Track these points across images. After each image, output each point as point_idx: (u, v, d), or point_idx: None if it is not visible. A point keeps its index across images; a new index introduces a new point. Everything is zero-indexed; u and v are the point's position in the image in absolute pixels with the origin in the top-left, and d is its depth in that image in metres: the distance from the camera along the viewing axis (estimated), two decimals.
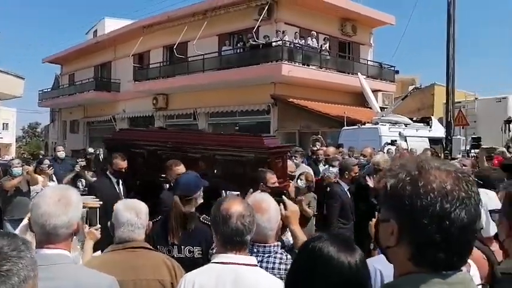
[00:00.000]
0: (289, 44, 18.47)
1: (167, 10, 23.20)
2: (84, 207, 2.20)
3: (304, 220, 5.45)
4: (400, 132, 12.21)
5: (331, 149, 8.52)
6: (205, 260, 2.49)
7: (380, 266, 1.98)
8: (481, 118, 17.39)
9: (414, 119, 14.24)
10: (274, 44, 18.51)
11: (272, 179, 4.04)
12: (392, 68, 22.53)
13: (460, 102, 17.21)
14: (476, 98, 19.13)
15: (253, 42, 18.99)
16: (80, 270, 1.88)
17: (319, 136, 11.47)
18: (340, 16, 20.93)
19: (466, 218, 0.95)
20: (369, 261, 2.14)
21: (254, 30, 18.58)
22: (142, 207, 2.36)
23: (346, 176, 5.54)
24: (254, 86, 18.88)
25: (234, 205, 1.96)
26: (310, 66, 18.81)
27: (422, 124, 13.79)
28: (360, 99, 18.74)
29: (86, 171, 7.72)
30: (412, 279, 0.98)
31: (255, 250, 2.13)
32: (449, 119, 13.27)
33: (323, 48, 19.72)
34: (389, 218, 1.02)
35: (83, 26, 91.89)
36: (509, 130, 15.04)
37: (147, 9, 60.62)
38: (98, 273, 1.84)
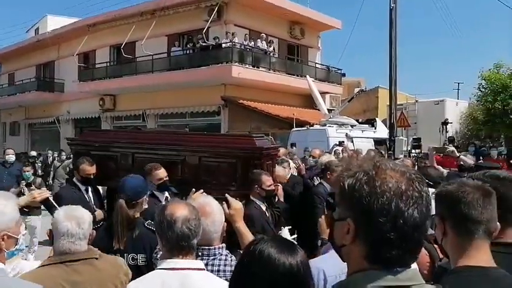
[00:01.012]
0: (239, 46, 18.57)
1: (113, 9, 22.60)
2: (26, 211, 2.10)
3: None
4: (346, 133, 12.58)
5: (282, 150, 8.67)
6: (149, 267, 2.43)
7: (324, 266, 2.04)
8: (421, 120, 18.34)
9: (360, 120, 14.69)
10: (224, 45, 18.53)
11: (268, 181, 3.97)
12: (339, 71, 23.21)
13: (402, 104, 18.05)
14: (416, 101, 20.14)
15: (203, 44, 18.92)
16: (10, 282, 1.78)
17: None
18: (289, 19, 21.29)
19: (418, 217, 0.99)
20: (312, 261, 2.21)
21: (204, 31, 18.50)
22: (85, 215, 2.21)
23: (328, 177, 5.37)
24: (204, 87, 18.80)
25: (179, 209, 1.92)
26: (260, 68, 19.01)
27: (367, 125, 14.26)
28: (308, 101, 19.15)
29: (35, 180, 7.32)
30: (366, 276, 1.01)
31: (200, 253, 2.13)
32: (392, 121, 13.83)
33: (272, 50, 19.98)
34: (346, 217, 1.04)
35: (23, 23, 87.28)
36: (446, 131, 15.94)
37: (92, 8, 58.54)
38: (28, 284, 1.75)
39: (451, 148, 6.90)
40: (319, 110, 16.12)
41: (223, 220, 2.27)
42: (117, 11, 22.01)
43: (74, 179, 4.67)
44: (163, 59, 20.26)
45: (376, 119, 15.32)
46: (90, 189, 4.64)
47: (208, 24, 18.40)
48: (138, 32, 19.86)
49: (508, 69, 19.31)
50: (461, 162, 5.93)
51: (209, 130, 18.33)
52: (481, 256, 1.44)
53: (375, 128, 14.20)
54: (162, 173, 4.10)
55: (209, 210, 2.20)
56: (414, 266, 2.00)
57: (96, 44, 23.09)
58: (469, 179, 1.61)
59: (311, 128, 13.60)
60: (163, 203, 4.07)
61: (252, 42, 19.17)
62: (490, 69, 19.78)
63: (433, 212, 2.04)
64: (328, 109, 16.50)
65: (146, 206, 3.05)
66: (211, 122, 19.71)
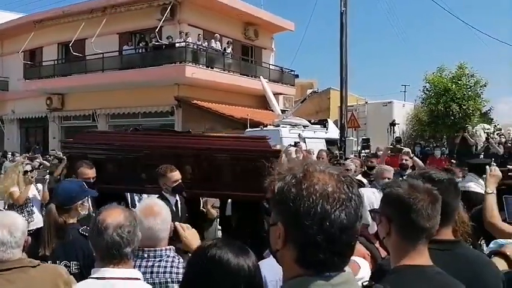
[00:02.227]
0: (193, 46, 18.47)
1: (61, 5, 21.84)
2: None
3: (208, 221, 5.55)
4: (299, 134, 12.81)
5: None
6: (83, 275, 2.33)
7: (264, 271, 2.10)
8: (370, 121, 18.99)
9: (312, 121, 14.99)
10: (177, 45, 18.37)
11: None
12: (293, 73, 23.61)
13: (352, 106, 18.62)
14: (366, 102, 20.83)
15: (156, 43, 18.66)
16: None
17: None
18: (243, 20, 21.41)
19: (346, 219, 0.98)
20: None
21: (157, 30, 18.26)
22: (18, 222, 2.06)
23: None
24: (157, 87, 18.54)
25: (111, 215, 1.82)
26: (214, 69, 19.00)
27: (319, 126, 14.56)
28: (262, 101, 19.33)
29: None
30: (297, 283, 1.01)
31: (145, 255, 2.11)
32: (343, 122, 14.23)
33: (226, 51, 20.03)
34: (277, 221, 1.04)
35: None
36: (393, 131, 16.61)
37: (39, 3, 56.12)
38: None
39: (407, 149, 7.21)
40: (272, 110, 16.32)
41: (171, 220, 2.27)
42: (65, 8, 21.26)
43: None
44: (114, 58, 19.81)
45: (328, 119, 15.68)
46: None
47: (161, 23, 18.18)
48: (88, 30, 19.29)
49: (450, 73, 20.38)
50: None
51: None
52: (420, 257, 1.50)
53: (327, 129, 14.53)
54: (177, 175, 3.96)
55: (157, 210, 2.22)
56: (365, 270, 2.07)
57: (43, 41, 22.19)
58: (418, 181, 1.61)
59: (265, 128, 13.74)
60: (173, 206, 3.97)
61: (206, 43, 19.13)
62: (433, 73, 20.80)
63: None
64: (281, 110, 16.73)
65: (85, 212, 2.94)
66: (164, 123, 19.46)
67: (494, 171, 2.71)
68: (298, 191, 1.00)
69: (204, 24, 19.55)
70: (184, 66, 17.61)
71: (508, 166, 2.90)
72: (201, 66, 18.36)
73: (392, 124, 16.86)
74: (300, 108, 15.87)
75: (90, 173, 4.18)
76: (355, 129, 16.86)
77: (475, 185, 4.23)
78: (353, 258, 1.84)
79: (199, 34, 19.03)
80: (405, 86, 35.10)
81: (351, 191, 1.01)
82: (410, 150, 7.17)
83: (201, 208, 5.31)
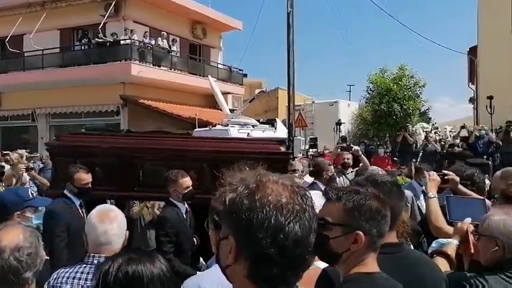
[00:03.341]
0: (139, 44, 18.04)
1: None
2: None
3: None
4: (248, 133, 12.84)
5: None
6: None
7: (202, 282, 2.04)
8: (317, 120, 19.43)
9: (261, 120, 15.09)
10: (122, 42, 17.87)
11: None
12: (241, 72, 23.66)
13: (300, 105, 18.96)
14: (313, 102, 21.30)
15: (101, 40, 18.05)
16: None
17: None
18: (190, 18, 21.18)
19: (300, 231, 0.95)
20: (195, 278, 2.24)
21: (100, 26, 17.66)
22: None
23: (325, 177, 5.39)
24: (102, 85, 17.93)
25: (8, 236, 1.63)
26: (161, 67, 18.67)
27: (268, 126, 14.69)
28: (211, 101, 19.21)
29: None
30: None
31: (95, 262, 2.06)
32: (290, 121, 14.43)
33: (174, 49, 19.74)
34: (228, 234, 0.99)
35: None
36: (339, 131, 17.09)
37: None
38: None
39: (356, 147, 7.41)
40: (221, 110, 16.27)
41: (126, 227, 2.23)
42: (0, 1, 20.06)
43: (66, 191, 3.92)
44: (55, 55, 19.00)
45: (276, 119, 15.85)
46: (81, 203, 3.98)
47: (104, 19, 17.61)
48: (26, 25, 18.31)
49: (392, 74, 21.28)
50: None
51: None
52: (371, 265, 1.51)
53: (275, 128, 14.69)
54: (188, 181, 3.76)
55: (114, 215, 2.18)
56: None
57: None
58: (371, 189, 1.60)
59: (213, 128, 13.66)
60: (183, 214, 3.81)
61: (153, 41, 18.75)
62: (376, 74, 21.63)
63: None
64: (230, 109, 16.71)
65: (30, 223, 2.75)
66: (109, 122, 18.84)
67: (433, 175, 2.79)
68: (251, 203, 0.95)
69: (151, 22, 19.15)
70: (130, 64, 17.17)
71: (443, 171, 3.01)
72: (147, 64, 17.98)
73: (338, 123, 17.36)
74: (248, 107, 15.92)
75: (87, 178, 3.90)
76: (302, 129, 17.17)
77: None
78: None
79: (145, 31, 18.63)
80: (350, 86, 36.23)
81: (305, 202, 0.99)
82: (359, 149, 7.39)
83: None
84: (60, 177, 4.21)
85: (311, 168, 6.88)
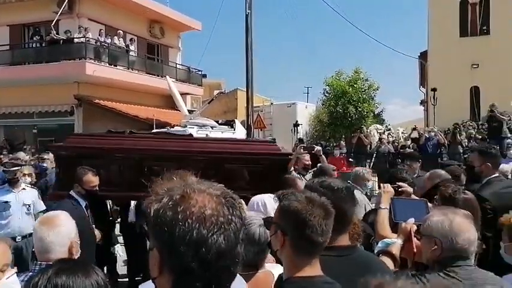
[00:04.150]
0: (94, 42, 17.57)
1: None
2: None
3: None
4: (207, 134, 12.77)
5: None
6: None
7: None
8: (276, 121, 19.65)
9: (220, 121, 15.04)
10: (76, 40, 17.34)
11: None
12: (200, 72, 23.53)
13: (258, 106, 19.11)
14: (272, 103, 21.52)
15: (55, 37, 17.43)
16: None
17: None
18: (148, 17, 20.85)
19: (223, 243, 0.93)
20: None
21: (53, 23, 17.05)
22: None
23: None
24: (54, 85, 17.30)
25: None
26: (118, 67, 18.27)
27: (227, 127, 14.68)
28: (169, 101, 18.96)
29: None
30: None
31: (37, 269, 2.02)
32: (249, 122, 14.53)
33: (130, 48, 19.36)
34: (153, 246, 0.97)
35: None
36: (297, 132, 17.36)
37: None
38: None
39: (318, 147, 7.60)
40: (179, 111, 16.12)
41: (72, 236, 2.18)
42: None
43: (72, 193, 3.96)
44: (5, 52, 18.15)
45: (236, 120, 15.87)
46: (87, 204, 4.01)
47: (57, 16, 17.00)
48: None
49: (347, 77, 21.85)
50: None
51: (61, 131, 16.94)
52: (312, 269, 1.55)
53: (234, 129, 14.68)
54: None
55: (58, 222, 2.14)
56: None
57: None
58: (315, 195, 1.64)
59: (172, 129, 13.52)
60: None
61: (109, 39, 18.31)
62: (332, 76, 22.14)
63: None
64: (189, 110, 16.56)
65: None
66: (63, 123, 18.24)
67: (387, 187, 2.87)
68: (173, 214, 0.93)
69: (106, 20, 18.69)
70: (84, 63, 16.69)
71: (398, 183, 3.12)
72: (103, 63, 17.54)
73: (296, 125, 17.61)
74: (207, 108, 15.88)
75: (96, 180, 3.96)
76: (261, 130, 17.32)
77: None
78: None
79: (100, 29, 18.16)
80: (308, 88, 36.87)
81: (232, 212, 0.96)
82: (320, 149, 7.58)
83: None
84: (65, 179, 4.16)
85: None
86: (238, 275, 1.77)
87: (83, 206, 3.97)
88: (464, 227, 1.96)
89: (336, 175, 6.42)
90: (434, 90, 19.17)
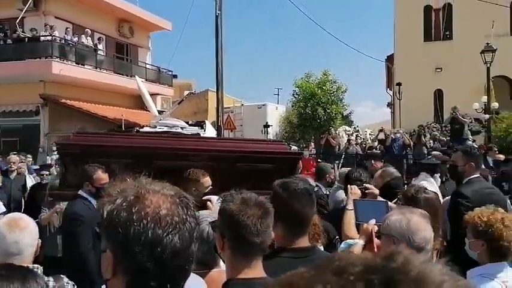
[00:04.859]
0: (61, 40, 17.19)
1: None
2: None
3: None
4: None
5: None
6: None
7: None
8: (246, 122, 19.76)
9: (190, 122, 14.98)
10: (42, 38, 16.93)
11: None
12: (170, 73, 23.34)
13: (229, 107, 19.16)
14: (242, 104, 21.62)
15: (21, 35, 16.95)
16: None
17: None
18: (117, 16, 20.55)
19: (178, 242, 0.94)
20: None
21: (18, 21, 16.59)
22: None
23: (327, 180, 5.64)
24: (19, 84, 16.80)
25: None
26: (85, 66, 17.94)
27: (197, 128, 14.63)
28: (139, 102, 18.75)
29: None
30: None
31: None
32: (219, 123, 14.54)
33: (99, 47, 19.05)
34: (106, 247, 0.97)
35: None
36: (267, 133, 17.51)
37: None
38: None
39: (294, 147, 7.73)
40: (149, 111, 15.98)
41: (38, 237, 2.19)
42: None
43: (82, 192, 3.83)
44: None
45: (206, 121, 15.83)
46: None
47: (23, 13, 16.56)
48: None
49: (316, 79, 22.19)
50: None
51: (26, 132, 16.56)
52: (253, 271, 1.56)
53: (205, 130, 14.65)
54: (209, 180, 3.60)
55: (24, 225, 2.12)
56: None
57: None
58: (251, 195, 1.64)
59: (141, 130, 13.40)
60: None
61: (76, 38, 17.96)
62: (301, 78, 22.42)
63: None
64: (159, 111, 16.44)
65: None
66: (28, 123, 17.76)
67: (354, 189, 2.98)
68: (128, 215, 0.94)
69: (74, 18, 18.31)
70: (50, 61, 16.30)
71: (365, 185, 3.23)
72: (70, 62, 17.17)
73: (266, 126, 17.77)
74: (178, 109, 15.77)
75: (106, 177, 3.81)
76: (231, 131, 17.36)
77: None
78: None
79: (67, 28, 17.76)
80: (278, 89, 37.15)
81: (186, 212, 0.98)
82: (297, 149, 7.73)
83: None
84: (72, 177, 4.04)
85: None
86: (195, 274, 1.82)
87: (94, 205, 3.82)
88: (421, 226, 2.01)
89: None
90: (399, 84, 19.84)
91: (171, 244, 0.93)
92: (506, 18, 20.22)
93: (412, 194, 2.93)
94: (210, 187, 3.77)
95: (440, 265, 0.52)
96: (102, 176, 3.82)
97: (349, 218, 2.81)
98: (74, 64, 17.35)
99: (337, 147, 15.21)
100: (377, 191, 3.15)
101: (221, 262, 2.00)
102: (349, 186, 3.07)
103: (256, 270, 1.56)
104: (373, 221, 2.37)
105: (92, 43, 18.62)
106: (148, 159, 4.12)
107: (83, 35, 18.19)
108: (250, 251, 1.56)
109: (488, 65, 14.76)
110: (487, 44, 15.08)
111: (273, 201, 1.69)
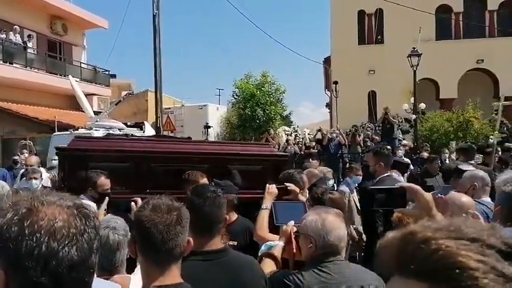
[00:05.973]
0: None
1: None
2: None
3: None
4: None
5: (34, 159, 7.90)
6: None
7: None
8: (187, 123, 19.62)
9: (128, 123, 14.68)
10: None
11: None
12: (107, 72, 22.64)
13: (169, 108, 18.94)
14: (183, 105, 21.41)
15: None
16: None
17: (28, 141, 10.59)
18: (49, 13, 19.62)
19: (76, 255, 0.91)
20: None
21: None
22: None
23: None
24: None
25: None
26: (14, 65, 16.98)
27: (136, 129, 14.37)
28: (73, 102, 18.02)
29: None
30: None
31: None
32: (158, 125, 14.35)
33: (29, 45, 18.09)
34: None
35: None
36: (207, 134, 17.49)
37: None
38: None
39: None
40: (84, 112, 15.43)
41: None
42: None
43: (83, 197, 3.61)
44: None
45: (145, 122, 15.58)
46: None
47: None
48: None
49: (255, 80, 22.47)
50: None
51: None
52: (168, 277, 1.55)
53: (144, 132, 14.44)
54: (206, 181, 3.54)
55: None
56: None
57: None
58: (163, 201, 1.62)
59: (75, 131, 12.92)
60: None
61: (4, 35, 16.94)
62: (241, 79, 22.61)
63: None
64: (96, 111, 15.95)
65: None
66: None
67: (272, 188, 3.04)
68: (19, 230, 0.89)
69: (1, 14, 17.28)
70: None
71: (285, 183, 3.32)
72: None
73: (207, 127, 17.73)
74: (115, 109, 15.36)
75: (108, 183, 3.78)
76: (171, 132, 17.18)
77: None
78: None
79: None
80: (220, 90, 37.08)
81: (85, 223, 0.95)
82: None
83: None
84: (73, 183, 3.93)
85: None
86: (106, 280, 1.82)
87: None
88: (335, 225, 2.13)
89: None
90: (336, 83, 20.59)
91: (67, 257, 0.90)
92: (431, 25, 21.55)
93: (318, 195, 3.11)
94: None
95: None
96: (104, 181, 3.84)
97: (262, 217, 2.85)
98: (1, 62, 16.38)
99: (276, 147, 15.50)
100: (298, 189, 3.22)
101: (137, 268, 1.95)
102: (266, 185, 3.11)
103: (171, 277, 1.55)
104: (292, 223, 2.43)
105: (20, 40, 17.66)
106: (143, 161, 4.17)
107: (11, 32, 17.21)
108: (159, 258, 1.56)
109: (415, 69, 15.70)
110: (413, 48, 16.03)
111: (187, 207, 1.71)
